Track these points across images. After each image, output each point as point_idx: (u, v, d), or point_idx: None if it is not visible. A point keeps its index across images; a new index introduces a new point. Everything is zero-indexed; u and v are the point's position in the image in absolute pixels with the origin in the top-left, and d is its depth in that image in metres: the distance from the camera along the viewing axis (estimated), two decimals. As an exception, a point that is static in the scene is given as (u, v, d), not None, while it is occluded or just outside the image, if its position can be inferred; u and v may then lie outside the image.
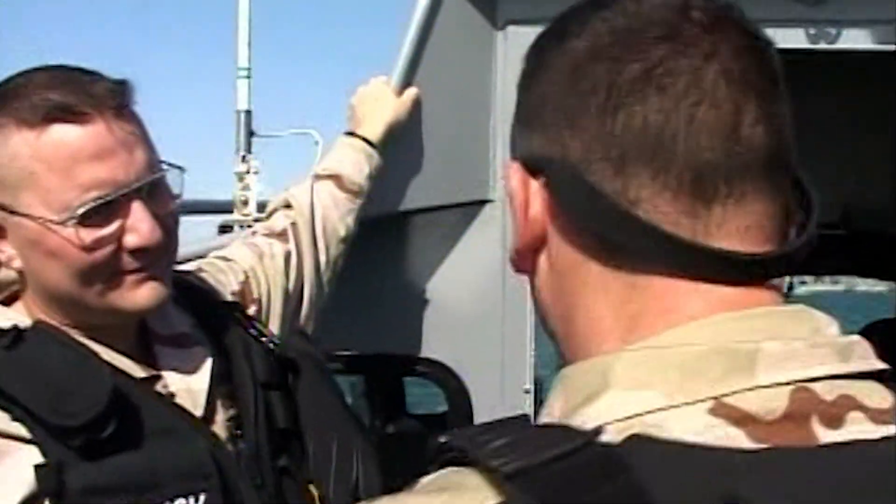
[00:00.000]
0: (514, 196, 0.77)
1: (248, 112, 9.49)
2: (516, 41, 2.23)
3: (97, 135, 1.36)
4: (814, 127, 3.30)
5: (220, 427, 1.48)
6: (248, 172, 9.13)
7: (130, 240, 1.38)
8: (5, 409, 1.31)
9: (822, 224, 0.75)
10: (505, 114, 2.27)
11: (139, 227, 1.38)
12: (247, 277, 1.75)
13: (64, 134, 1.35)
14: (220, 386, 1.51)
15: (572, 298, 0.76)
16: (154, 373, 1.47)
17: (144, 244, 1.38)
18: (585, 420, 0.68)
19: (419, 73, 2.19)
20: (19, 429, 1.31)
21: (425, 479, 0.70)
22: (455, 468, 0.68)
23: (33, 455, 1.30)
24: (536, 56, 0.79)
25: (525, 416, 0.74)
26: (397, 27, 2.28)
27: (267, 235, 1.88)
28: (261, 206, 1.93)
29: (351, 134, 2.08)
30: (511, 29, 2.25)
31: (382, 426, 3.46)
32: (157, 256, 1.41)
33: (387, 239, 2.22)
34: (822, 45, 2.19)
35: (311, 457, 1.56)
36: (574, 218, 0.74)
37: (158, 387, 1.46)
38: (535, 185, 0.75)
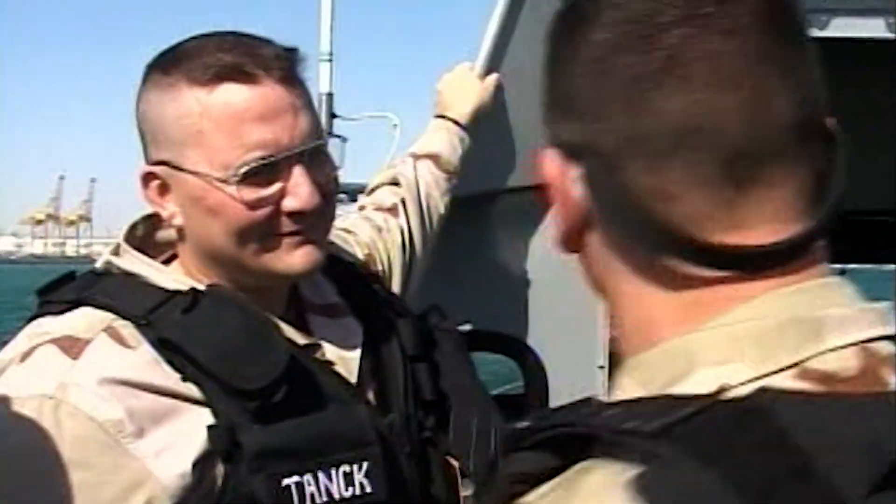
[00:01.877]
0: (552, 183, 0.77)
1: (331, 95, 9.56)
2: None
3: (264, 96, 1.37)
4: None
5: (370, 397, 1.49)
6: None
7: (289, 203, 1.39)
8: (178, 370, 1.32)
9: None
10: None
11: (299, 190, 1.39)
12: (369, 250, 1.79)
13: (232, 93, 1.37)
14: (369, 357, 1.52)
15: (619, 285, 0.76)
16: (313, 340, 1.49)
17: (303, 207, 1.39)
18: None
19: (502, 58, 2.26)
20: (191, 389, 1.32)
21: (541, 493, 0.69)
22: (569, 475, 0.68)
23: (205, 416, 1.31)
24: (558, 42, 0.78)
25: (590, 399, 0.74)
26: (480, 12, 2.36)
27: (377, 210, 1.92)
28: (359, 188, 2.00)
29: (441, 117, 2.15)
30: None
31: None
32: (314, 222, 1.42)
33: (469, 218, 2.29)
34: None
35: (452, 430, 1.57)
36: (612, 211, 0.74)
37: (317, 355, 1.47)
38: (574, 172, 0.75)
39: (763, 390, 0.65)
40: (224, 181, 1.37)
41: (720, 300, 0.71)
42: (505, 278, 2.39)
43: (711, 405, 0.65)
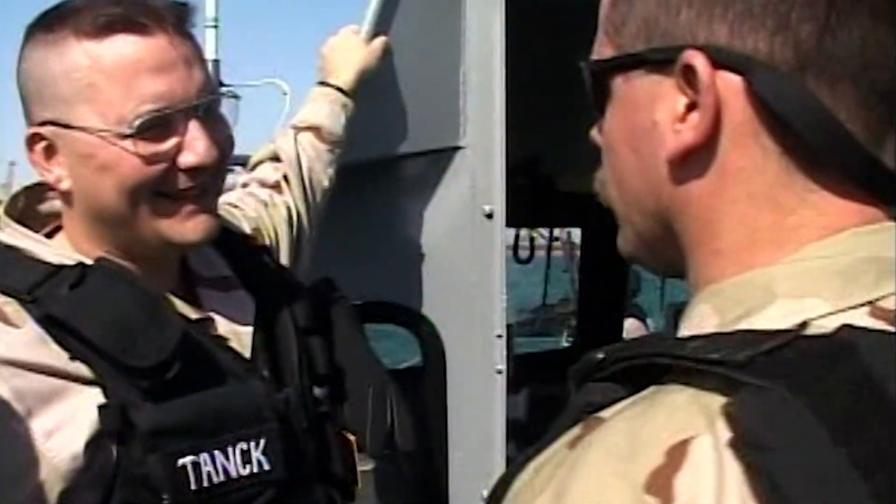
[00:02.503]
0: (703, 88, 0.73)
1: (217, 61, 9.41)
2: None
3: (158, 48, 1.34)
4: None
5: (264, 372, 1.47)
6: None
7: (186, 158, 1.36)
8: (67, 348, 1.29)
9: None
10: (475, 61, 2.29)
11: (196, 144, 1.36)
12: (256, 224, 1.76)
13: (125, 44, 1.33)
14: (261, 331, 1.49)
15: (730, 206, 0.75)
16: (204, 315, 1.45)
17: (201, 162, 1.36)
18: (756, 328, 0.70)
19: (389, 22, 2.20)
20: (80, 368, 1.29)
21: (622, 408, 0.70)
22: (645, 393, 0.70)
23: (96, 395, 1.28)
24: None
25: (655, 334, 0.76)
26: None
27: (262, 187, 1.88)
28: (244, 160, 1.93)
29: (324, 84, 2.09)
30: None
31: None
32: (209, 182, 1.39)
33: (357, 187, 2.24)
34: None
35: (347, 404, 1.56)
36: (778, 124, 0.73)
37: (209, 330, 1.44)
38: (733, 82, 0.73)
39: (847, 327, 0.67)
40: (117, 136, 1.32)
41: (819, 229, 0.73)
42: (397, 248, 2.35)
43: (795, 339, 0.67)
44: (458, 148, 2.32)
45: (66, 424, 1.26)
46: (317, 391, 1.52)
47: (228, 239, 1.57)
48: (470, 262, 2.30)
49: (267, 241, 1.75)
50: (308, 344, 1.54)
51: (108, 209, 1.37)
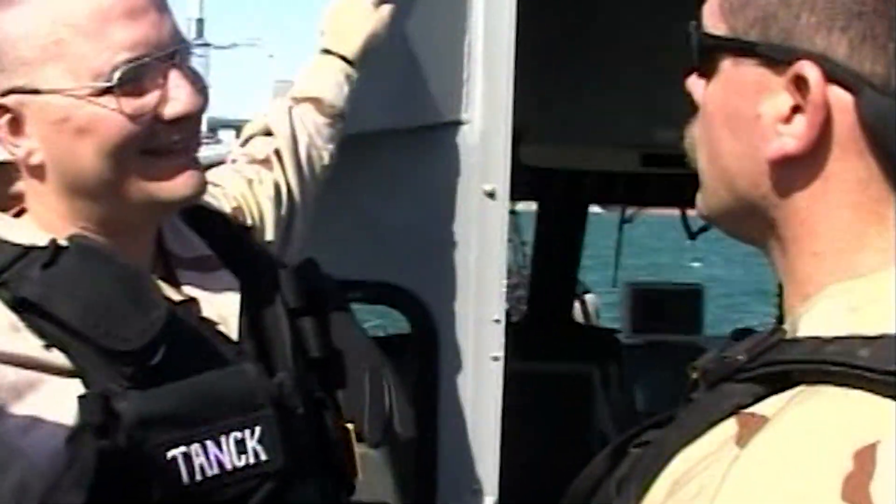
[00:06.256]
0: (814, 103, 0.77)
1: (201, 20, 9.29)
2: None
3: None
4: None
5: (254, 356, 1.38)
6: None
7: (171, 108, 1.27)
8: (42, 335, 1.19)
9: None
10: (480, 32, 2.18)
11: (179, 93, 1.27)
12: (237, 203, 1.66)
13: None
14: (249, 312, 1.40)
15: (835, 212, 0.79)
16: (186, 296, 1.36)
17: (187, 111, 1.27)
18: None
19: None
20: (58, 356, 1.19)
21: (791, 418, 0.72)
22: (789, 394, 0.73)
23: (76, 385, 1.18)
24: None
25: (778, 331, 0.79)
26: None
27: (250, 163, 1.78)
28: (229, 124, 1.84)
29: (328, 51, 1.96)
30: None
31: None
32: (193, 133, 1.31)
33: (354, 162, 2.13)
34: None
35: (344, 390, 1.47)
36: (883, 146, 0.77)
37: (194, 312, 1.35)
38: (842, 98, 0.77)
39: None
40: (94, 93, 1.22)
41: None
42: (392, 227, 2.25)
43: None
44: (459, 123, 2.22)
45: (44, 419, 1.17)
46: (311, 376, 1.43)
47: (206, 217, 1.48)
48: (468, 243, 2.21)
49: (249, 221, 1.65)
50: (299, 326, 1.44)
51: (88, 177, 1.27)
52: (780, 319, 0.84)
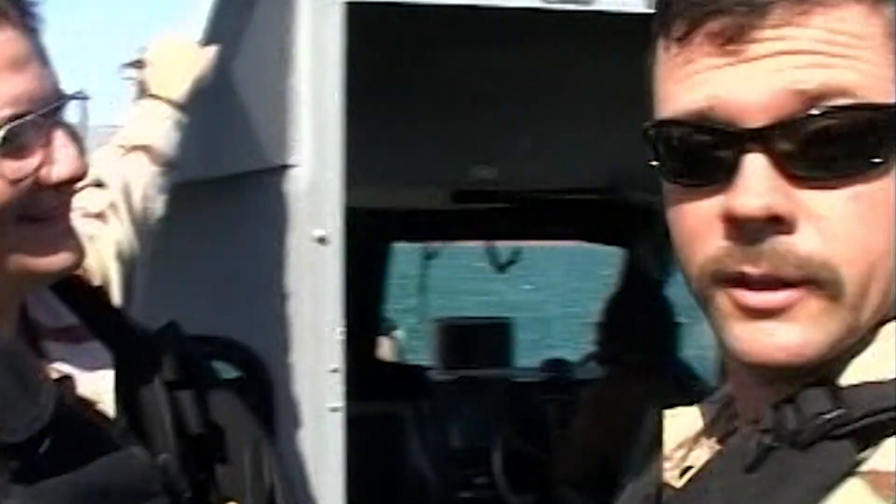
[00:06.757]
0: None
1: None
2: None
3: (8, 41, 1.12)
4: (588, 88, 3.32)
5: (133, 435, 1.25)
6: None
7: (57, 170, 1.14)
8: None
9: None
10: (306, 74, 2.12)
11: (63, 155, 1.15)
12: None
13: None
14: (124, 387, 1.26)
15: None
16: (60, 373, 1.22)
17: (70, 175, 1.15)
18: None
19: (220, 28, 2.00)
20: None
21: None
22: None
23: None
24: None
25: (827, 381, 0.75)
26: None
27: (85, 217, 1.63)
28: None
29: (154, 96, 1.86)
30: None
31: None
32: (71, 198, 1.20)
33: (185, 209, 2.02)
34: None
35: (224, 468, 1.36)
36: None
37: (71, 391, 1.20)
38: None
39: None
40: None
41: None
42: (226, 277, 2.14)
43: None
44: (286, 167, 2.15)
45: None
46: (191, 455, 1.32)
47: (68, 281, 1.33)
48: (301, 291, 2.13)
49: (97, 282, 1.51)
50: (177, 400, 1.33)
51: None
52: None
